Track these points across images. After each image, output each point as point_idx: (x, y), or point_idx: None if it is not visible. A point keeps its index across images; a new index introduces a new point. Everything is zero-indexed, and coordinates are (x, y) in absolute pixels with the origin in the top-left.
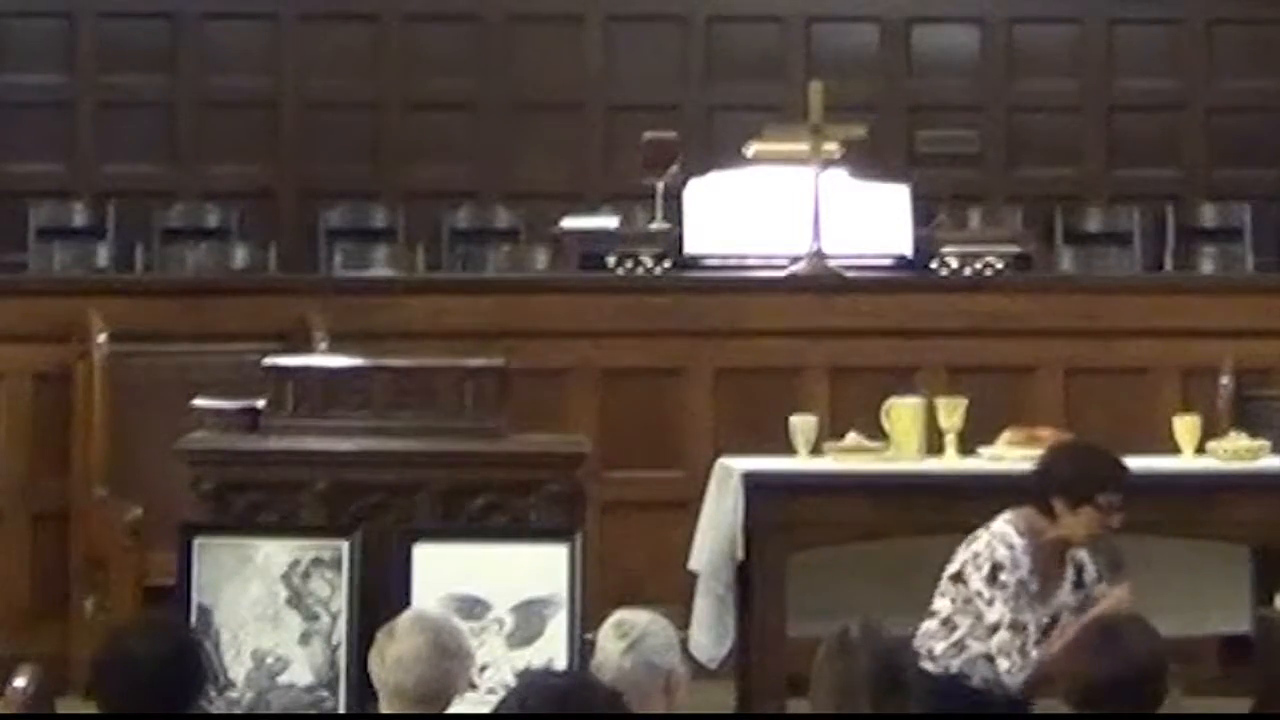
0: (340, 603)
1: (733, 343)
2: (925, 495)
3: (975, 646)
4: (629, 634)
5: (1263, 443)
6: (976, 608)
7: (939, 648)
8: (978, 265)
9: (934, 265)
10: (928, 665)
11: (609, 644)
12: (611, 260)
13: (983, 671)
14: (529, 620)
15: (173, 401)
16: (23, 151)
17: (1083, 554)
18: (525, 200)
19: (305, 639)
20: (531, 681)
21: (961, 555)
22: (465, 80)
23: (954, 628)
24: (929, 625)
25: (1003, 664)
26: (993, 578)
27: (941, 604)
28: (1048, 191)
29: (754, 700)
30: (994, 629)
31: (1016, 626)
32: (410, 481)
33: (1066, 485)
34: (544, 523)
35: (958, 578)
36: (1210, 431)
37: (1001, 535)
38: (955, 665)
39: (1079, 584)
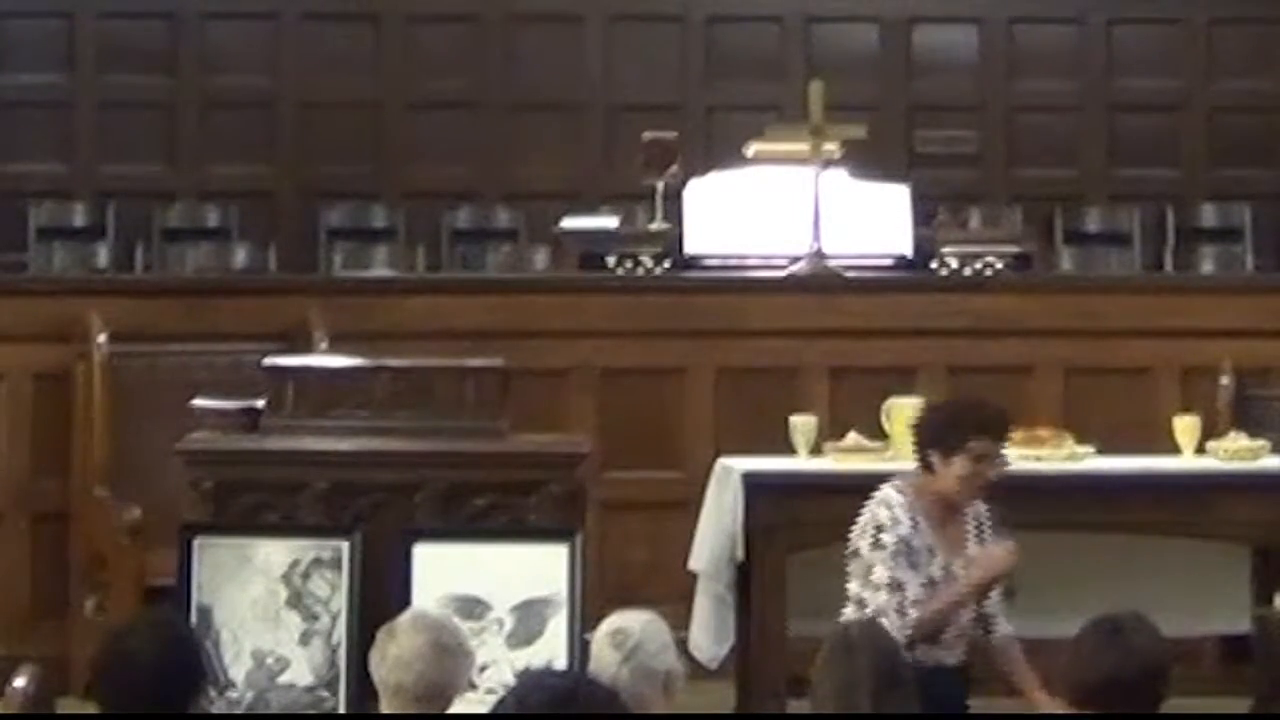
0: (340, 603)
1: (733, 343)
2: None
3: (892, 617)
4: (624, 644)
5: (1263, 443)
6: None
7: None
8: (978, 265)
9: (934, 265)
10: None
11: (605, 654)
12: (611, 260)
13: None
14: (529, 620)
15: (173, 401)
16: (23, 151)
17: (982, 509)
18: (525, 200)
19: (305, 639)
20: (531, 681)
21: (854, 531)
22: (465, 80)
23: (865, 604)
24: (847, 611)
25: (883, 625)
26: (875, 540)
27: (851, 586)
28: (1048, 191)
29: (754, 700)
30: (878, 590)
31: (894, 585)
32: (410, 481)
33: (937, 436)
34: (544, 523)
35: (856, 554)
36: (1210, 431)
37: (882, 498)
38: None
39: (981, 539)
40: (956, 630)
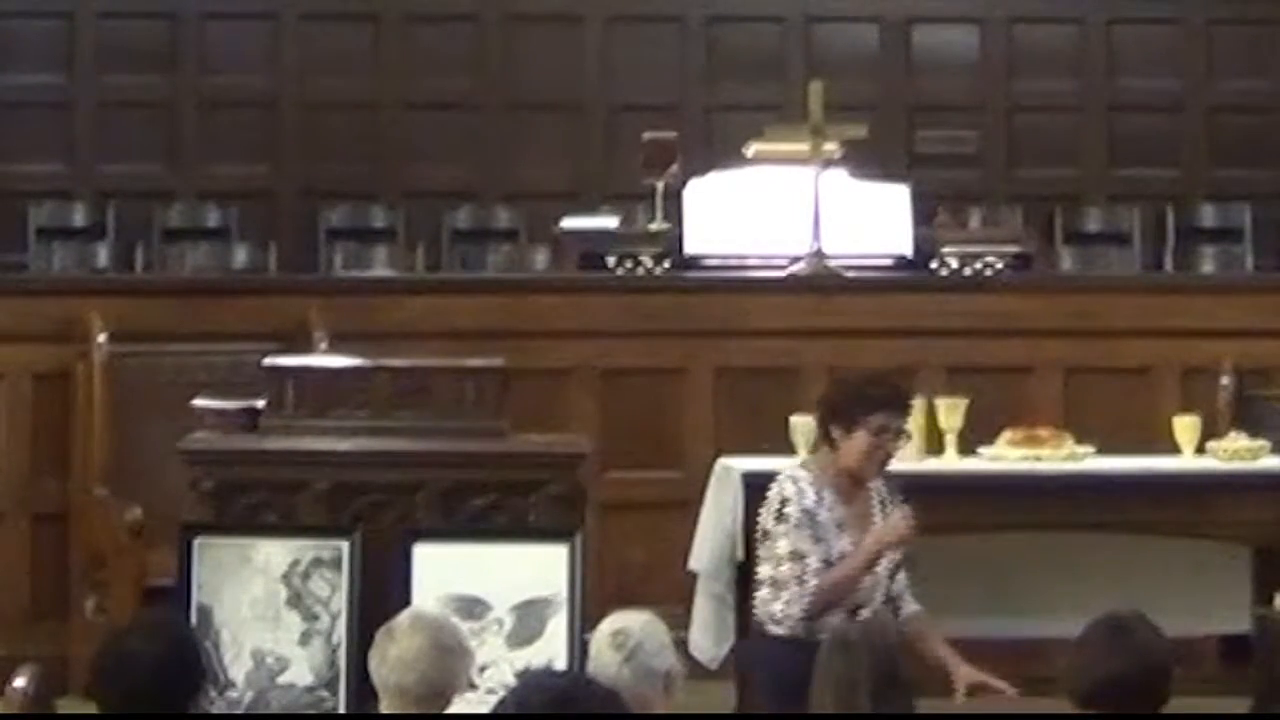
0: (340, 603)
1: (733, 343)
2: (926, 495)
3: (792, 588)
4: (625, 644)
5: (1263, 443)
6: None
7: (777, 609)
8: (978, 265)
9: (934, 265)
10: (776, 630)
11: (606, 655)
12: (611, 260)
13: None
14: (529, 620)
15: (173, 401)
16: (23, 151)
17: (881, 483)
18: (525, 200)
19: (305, 639)
20: (531, 682)
21: (762, 513)
22: (465, 80)
23: (779, 584)
24: (761, 594)
25: (784, 595)
26: (779, 514)
27: (763, 569)
28: (1048, 191)
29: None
30: (780, 563)
31: (796, 556)
32: (410, 481)
33: (838, 411)
34: (544, 523)
35: (765, 535)
36: (1210, 431)
37: (788, 474)
38: (800, 627)
39: (885, 513)
40: (873, 607)
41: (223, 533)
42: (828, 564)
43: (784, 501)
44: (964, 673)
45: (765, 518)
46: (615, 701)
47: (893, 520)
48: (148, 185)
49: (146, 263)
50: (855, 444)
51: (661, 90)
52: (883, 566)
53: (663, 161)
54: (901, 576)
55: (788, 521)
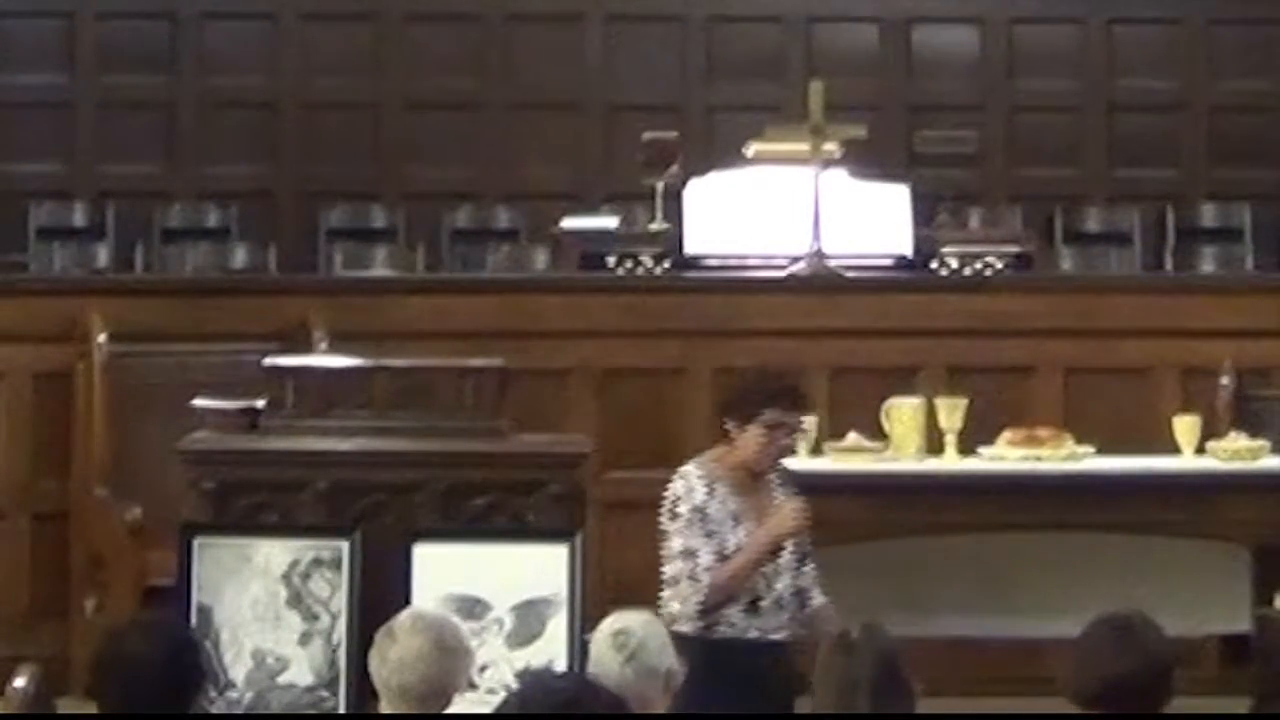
0: (340, 603)
1: (733, 343)
2: (925, 495)
3: (685, 584)
4: (627, 644)
5: (1263, 443)
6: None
7: (675, 607)
8: (978, 265)
9: (934, 265)
10: (679, 629)
11: (608, 654)
12: (611, 260)
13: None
14: (529, 620)
15: (173, 401)
16: (23, 151)
17: (773, 476)
18: (525, 200)
19: (305, 639)
20: (533, 684)
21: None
22: (465, 80)
23: (675, 581)
24: (665, 594)
25: (679, 591)
26: (672, 513)
27: (667, 569)
28: (1048, 191)
29: None
30: (673, 559)
31: (687, 553)
32: (410, 481)
33: (732, 405)
34: (544, 523)
35: (664, 535)
36: (1210, 431)
37: (681, 472)
38: (700, 624)
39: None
40: (772, 600)
41: (223, 533)
42: (723, 558)
43: (676, 500)
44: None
45: (662, 518)
46: (621, 706)
47: (784, 512)
48: (147, 185)
49: (146, 263)
50: (750, 438)
51: (661, 90)
52: (784, 558)
53: (663, 161)
54: (810, 569)
55: (679, 519)
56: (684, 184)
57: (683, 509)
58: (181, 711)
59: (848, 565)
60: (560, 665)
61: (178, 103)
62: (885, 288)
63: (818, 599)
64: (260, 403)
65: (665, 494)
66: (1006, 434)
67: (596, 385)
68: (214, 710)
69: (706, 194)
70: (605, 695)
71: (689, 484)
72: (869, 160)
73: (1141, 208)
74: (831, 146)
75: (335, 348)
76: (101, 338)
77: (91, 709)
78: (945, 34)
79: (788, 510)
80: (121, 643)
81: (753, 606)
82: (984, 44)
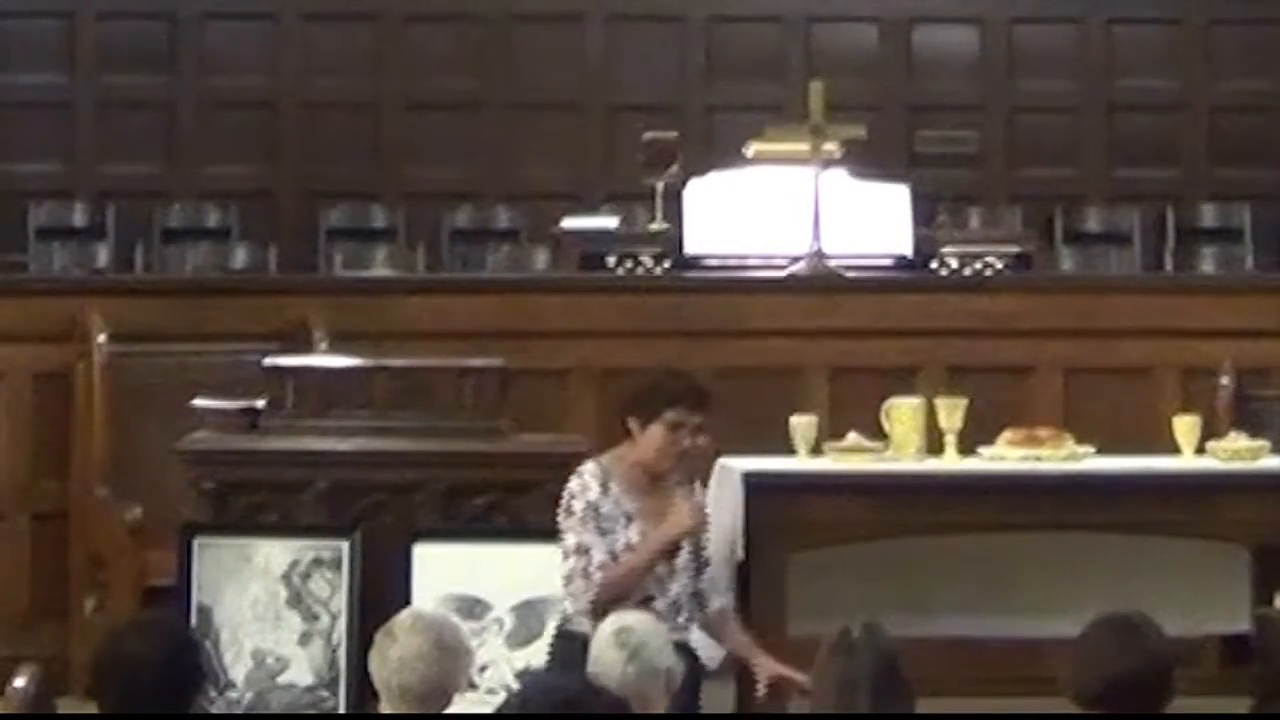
0: (340, 603)
1: (733, 343)
2: (925, 495)
3: (578, 582)
4: (629, 643)
5: (1263, 443)
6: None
7: (569, 606)
8: (978, 265)
9: (934, 265)
10: (575, 628)
11: (609, 654)
12: (611, 260)
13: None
14: (529, 620)
15: (173, 401)
16: (23, 151)
17: (674, 476)
18: (525, 200)
19: (305, 639)
20: (533, 684)
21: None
22: (465, 80)
23: (570, 579)
24: (561, 593)
25: (573, 589)
26: (567, 509)
27: (562, 567)
28: (1048, 191)
29: (754, 700)
30: (567, 557)
31: (580, 550)
32: (410, 481)
33: (634, 404)
34: (544, 523)
35: (558, 534)
36: (1210, 431)
37: (579, 470)
38: (594, 622)
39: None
40: (667, 602)
41: (223, 533)
42: (615, 557)
43: (571, 497)
44: (765, 665)
45: (558, 516)
46: (622, 707)
47: (681, 513)
48: (147, 185)
49: (146, 263)
50: (650, 439)
51: (661, 90)
52: (680, 560)
53: (663, 161)
54: (710, 571)
55: (573, 516)
56: (684, 184)
57: (577, 506)
58: (181, 711)
59: (848, 565)
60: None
61: (178, 103)
62: (885, 288)
63: (716, 602)
64: (260, 403)
65: (562, 494)
66: (1006, 434)
67: (596, 385)
68: (214, 710)
69: (706, 194)
70: (606, 695)
71: (584, 481)
72: (869, 160)
73: (1141, 208)
74: (831, 146)
75: (335, 348)
76: (101, 338)
77: (91, 709)
78: (945, 34)
79: (684, 511)
80: (121, 643)
81: (645, 607)
82: (984, 44)
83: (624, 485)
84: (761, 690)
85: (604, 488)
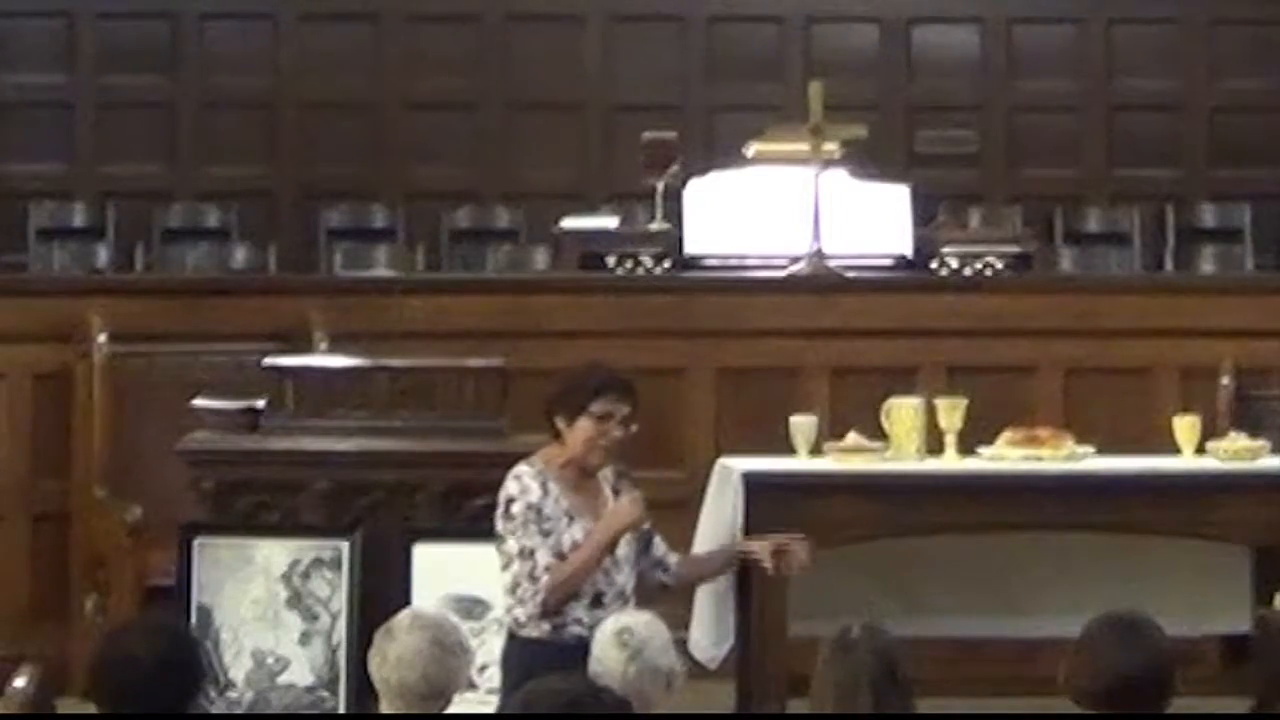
0: (340, 603)
1: (733, 343)
2: (925, 495)
3: (525, 585)
4: (630, 643)
5: (1263, 443)
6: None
7: (519, 612)
8: (978, 265)
9: (934, 265)
10: (525, 633)
11: (611, 653)
12: (611, 260)
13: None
14: None
15: (173, 401)
16: (23, 151)
17: (608, 470)
18: (525, 200)
19: (305, 639)
20: (535, 685)
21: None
22: (465, 80)
23: (516, 584)
24: (507, 601)
25: (520, 594)
26: (506, 513)
27: (504, 576)
28: (1048, 191)
29: (754, 700)
30: (511, 561)
31: (525, 553)
32: (410, 481)
33: (559, 401)
34: None
35: (498, 538)
36: (1210, 431)
37: (514, 472)
38: (547, 626)
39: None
40: (614, 593)
41: (223, 533)
42: (560, 557)
43: (509, 501)
44: (757, 544)
45: (496, 521)
46: (624, 707)
47: (621, 505)
48: (148, 185)
49: (146, 263)
50: (579, 433)
51: (661, 90)
52: (622, 551)
53: (663, 161)
54: (657, 541)
55: (514, 520)
56: (684, 184)
57: (516, 509)
58: (181, 711)
59: (848, 565)
60: None
61: (178, 103)
62: (885, 288)
63: (672, 558)
64: (260, 403)
65: (499, 497)
66: (1006, 434)
67: None
68: (214, 710)
69: (706, 194)
70: (608, 696)
71: (523, 483)
72: (869, 160)
73: (1141, 208)
74: (831, 146)
75: (335, 348)
76: (101, 338)
77: (91, 709)
78: (945, 34)
79: (625, 503)
80: (121, 643)
81: (596, 602)
82: (984, 44)
83: (560, 484)
84: (769, 565)
85: (544, 488)
